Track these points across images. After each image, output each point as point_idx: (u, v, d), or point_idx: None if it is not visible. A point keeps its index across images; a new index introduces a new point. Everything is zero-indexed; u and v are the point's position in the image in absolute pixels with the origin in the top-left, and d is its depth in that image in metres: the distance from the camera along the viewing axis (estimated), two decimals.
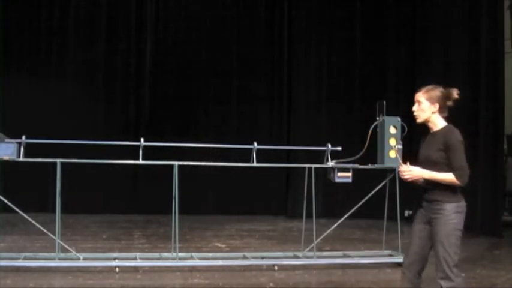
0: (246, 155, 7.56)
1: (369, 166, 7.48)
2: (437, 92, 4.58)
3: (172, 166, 7.09)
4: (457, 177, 4.16)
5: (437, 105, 4.50)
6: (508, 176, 12.51)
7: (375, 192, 7.59)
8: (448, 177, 4.17)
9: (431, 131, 4.48)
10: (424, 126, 4.64)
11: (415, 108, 4.53)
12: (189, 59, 13.25)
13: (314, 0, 13.24)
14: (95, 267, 6.82)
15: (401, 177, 4.33)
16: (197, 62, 13.30)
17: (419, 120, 4.52)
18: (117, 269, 6.71)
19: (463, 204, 4.20)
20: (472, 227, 10.47)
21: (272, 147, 9.24)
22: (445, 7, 11.67)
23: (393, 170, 7.48)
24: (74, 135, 8.12)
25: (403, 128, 7.36)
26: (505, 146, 12.32)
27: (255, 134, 10.31)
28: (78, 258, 6.97)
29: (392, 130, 7.34)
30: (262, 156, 7.45)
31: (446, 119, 4.50)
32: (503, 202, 11.50)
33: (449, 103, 4.54)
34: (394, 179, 7.48)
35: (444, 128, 4.44)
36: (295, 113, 13.15)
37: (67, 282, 6.26)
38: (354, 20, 13.33)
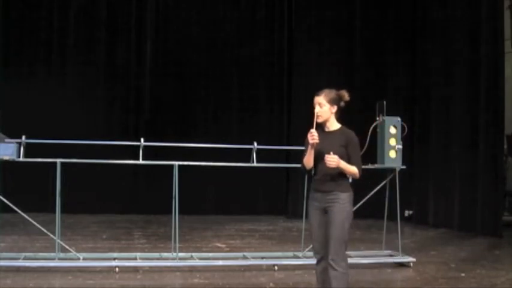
0: (246, 155, 7.56)
1: (369, 166, 7.48)
2: (334, 95, 4.94)
3: (172, 166, 7.09)
4: (357, 171, 4.70)
5: (335, 107, 4.90)
6: (508, 176, 12.52)
7: (375, 192, 7.59)
8: (353, 169, 4.69)
9: (327, 130, 4.89)
10: None
11: (317, 109, 4.90)
12: (189, 59, 13.25)
13: (314, 1, 13.25)
14: (95, 267, 6.82)
15: (329, 164, 4.58)
16: (197, 62, 13.30)
17: (320, 120, 4.89)
18: (117, 269, 6.71)
19: (352, 194, 4.76)
20: (472, 227, 10.50)
21: (272, 147, 9.23)
22: (445, 7, 11.68)
23: (393, 170, 7.49)
24: (74, 135, 8.12)
25: (403, 128, 7.36)
26: (505, 146, 12.33)
27: (255, 134, 10.32)
28: (78, 258, 6.97)
29: (392, 130, 7.35)
30: (262, 156, 7.45)
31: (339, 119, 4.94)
32: (503, 202, 11.51)
33: (342, 104, 4.95)
34: (394, 179, 7.48)
35: (341, 127, 4.91)
36: (295, 113, 13.15)
37: (67, 282, 6.26)
38: (354, 21, 13.34)
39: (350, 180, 4.83)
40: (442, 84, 11.76)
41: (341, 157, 4.65)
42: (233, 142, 8.20)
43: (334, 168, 4.59)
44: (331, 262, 4.59)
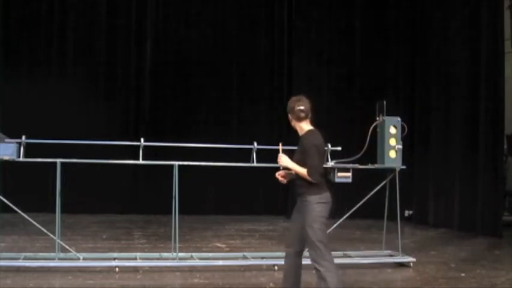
0: (246, 155, 7.56)
1: (369, 166, 7.48)
2: (289, 104, 5.11)
3: (172, 166, 7.09)
4: (308, 173, 4.85)
5: (290, 116, 5.09)
6: (508, 176, 12.52)
7: (375, 192, 7.59)
8: (303, 171, 4.88)
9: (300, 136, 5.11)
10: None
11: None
12: (189, 59, 13.26)
13: (314, 1, 13.25)
14: (95, 267, 6.82)
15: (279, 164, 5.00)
16: (197, 62, 13.31)
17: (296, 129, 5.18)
18: (117, 269, 6.71)
19: (325, 195, 4.92)
20: (472, 227, 10.50)
21: (272, 147, 9.22)
22: (445, 7, 11.68)
23: (393, 170, 7.48)
24: (74, 135, 8.11)
25: (403, 128, 7.36)
26: (505, 146, 12.33)
27: (255, 134, 10.31)
28: (78, 258, 6.97)
29: (392, 130, 7.35)
30: (262, 156, 7.45)
31: (312, 123, 5.13)
32: (503, 202, 11.51)
33: (302, 114, 5.03)
34: (394, 179, 7.47)
35: (304, 133, 5.05)
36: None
37: (67, 282, 6.26)
38: (354, 20, 13.34)
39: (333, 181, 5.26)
40: (442, 84, 11.76)
41: (297, 162, 4.95)
42: (233, 142, 8.19)
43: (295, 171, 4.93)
44: (313, 264, 4.86)
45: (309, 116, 5.09)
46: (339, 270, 5.01)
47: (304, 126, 5.06)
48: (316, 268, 4.82)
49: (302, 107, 5.02)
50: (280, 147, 5.16)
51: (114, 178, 12.21)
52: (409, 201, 12.15)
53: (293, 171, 4.99)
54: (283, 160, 4.98)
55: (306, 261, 7.23)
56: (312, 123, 5.15)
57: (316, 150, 4.91)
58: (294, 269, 5.25)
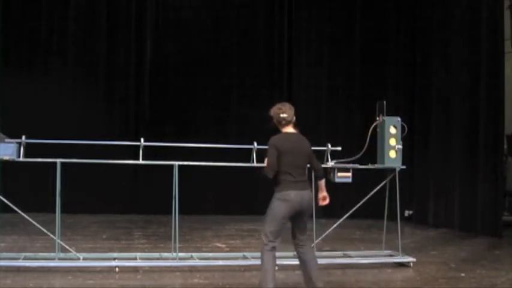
0: (246, 155, 7.56)
1: (369, 166, 7.49)
2: (271, 110, 5.71)
3: (172, 166, 7.09)
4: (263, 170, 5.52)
5: (274, 120, 5.70)
6: (508, 176, 12.51)
7: (375, 192, 7.59)
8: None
9: None
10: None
11: None
12: (189, 59, 13.25)
13: (314, 1, 13.24)
14: (95, 267, 6.82)
15: None
16: (197, 62, 13.30)
17: None
18: (117, 269, 6.71)
19: (283, 193, 5.41)
20: (472, 227, 10.50)
21: None
22: (445, 7, 11.68)
23: (393, 170, 7.48)
24: (74, 135, 8.12)
25: (403, 128, 7.36)
26: (505, 146, 12.32)
27: (255, 134, 10.30)
28: (78, 258, 6.96)
29: (392, 130, 7.35)
30: (263, 156, 7.44)
31: (293, 126, 5.74)
32: (503, 202, 11.51)
33: (283, 122, 5.68)
34: (394, 179, 7.47)
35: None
36: (295, 113, 13.12)
37: (67, 282, 6.25)
38: (354, 20, 13.34)
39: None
40: (442, 84, 11.76)
41: None
42: (233, 142, 8.19)
43: None
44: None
45: (292, 121, 5.70)
46: (270, 268, 5.45)
47: (282, 130, 5.71)
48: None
49: (284, 115, 5.64)
50: None
51: (114, 178, 12.20)
52: (409, 201, 12.15)
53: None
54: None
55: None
56: (296, 126, 5.72)
57: (270, 149, 5.51)
58: (300, 261, 5.67)
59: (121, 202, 12.58)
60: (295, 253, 7.59)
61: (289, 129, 5.68)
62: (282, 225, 5.46)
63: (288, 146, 5.52)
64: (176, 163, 7.08)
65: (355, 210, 7.64)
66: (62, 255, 6.97)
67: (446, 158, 11.46)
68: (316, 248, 7.39)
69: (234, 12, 13.57)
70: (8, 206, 6.78)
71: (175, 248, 7.01)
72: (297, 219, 5.53)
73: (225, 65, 13.45)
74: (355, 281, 6.56)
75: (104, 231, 10.10)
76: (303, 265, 5.62)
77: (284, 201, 5.39)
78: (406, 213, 12.26)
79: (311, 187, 5.74)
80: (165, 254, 7.44)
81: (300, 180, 5.48)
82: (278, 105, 5.67)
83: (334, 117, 12.87)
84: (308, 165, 5.80)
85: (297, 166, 5.53)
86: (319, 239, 7.51)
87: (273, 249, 5.48)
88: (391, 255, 7.70)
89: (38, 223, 6.95)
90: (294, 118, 5.70)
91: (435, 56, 11.94)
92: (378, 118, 7.46)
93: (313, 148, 7.79)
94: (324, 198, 5.70)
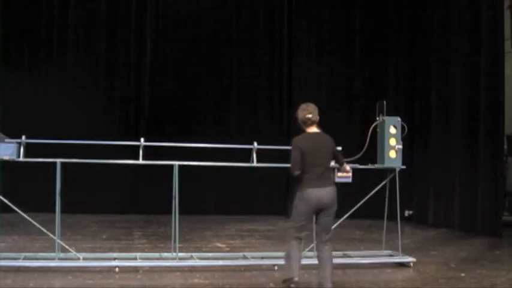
0: (246, 155, 7.56)
1: (369, 166, 7.48)
2: (297, 111, 5.95)
3: (172, 166, 7.09)
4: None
5: (299, 121, 5.91)
6: (508, 176, 12.51)
7: (375, 192, 7.59)
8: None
9: None
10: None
11: None
12: (189, 58, 13.25)
13: (314, 0, 13.24)
14: (95, 267, 6.82)
15: None
16: (197, 62, 13.30)
17: None
18: (117, 269, 6.71)
19: (302, 191, 5.68)
20: (472, 227, 10.50)
21: (272, 147, 9.22)
22: (445, 7, 11.68)
23: (393, 170, 7.48)
24: (74, 135, 8.11)
25: (403, 128, 7.36)
26: (505, 146, 12.32)
27: (255, 134, 10.31)
28: (78, 258, 6.97)
29: (392, 130, 7.35)
30: (262, 156, 7.45)
31: (318, 126, 5.92)
32: (503, 202, 11.50)
33: (308, 122, 5.87)
34: (394, 179, 7.47)
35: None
36: (295, 113, 13.12)
37: (67, 282, 6.25)
38: (354, 20, 13.35)
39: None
40: (442, 84, 11.76)
41: None
42: (233, 142, 8.18)
43: None
44: None
45: (317, 120, 5.87)
46: (294, 257, 5.70)
47: (307, 130, 5.86)
48: None
49: (309, 115, 5.83)
50: None
51: (114, 178, 12.21)
52: (409, 201, 12.15)
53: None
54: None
55: (306, 262, 7.28)
56: (319, 126, 5.86)
57: (294, 149, 5.71)
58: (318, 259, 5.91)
59: (121, 202, 12.58)
60: None
61: (314, 129, 5.87)
62: (304, 221, 5.75)
63: (311, 146, 5.72)
64: (176, 163, 7.08)
65: (355, 210, 7.64)
66: (62, 255, 6.97)
67: (446, 158, 11.46)
68: (316, 248, 7.39)
69: (234, 12, 13.57)
70: (8, 206, 6.78)
71: (175, 248, 7.01)
72: (319, 216, 5.74)
73: (225, 65, 13.45)
74: (355, 281, 6.57)
75: (104, 231, 10.10)
76: (319, 263, 5.83)
77: (303, 199, 5.67)
78: (406, 213, 12.26)
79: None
80: (165, 254, 7.44)
81: (322, 177, 5.69)
82: (303, 106, 5.89)
83: (334, 117, 12.87)
84: (333, 163, 6.13)
85: (320, 164, 5.72)
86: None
87: (297, 239, 5.73)
88: (391, 255, 7.70)
89: (38, 223, 6.95)
90: (318, 118, 5.89)
91: (435, 56, 11.93)
92: (378, 118, 7.46)
93: None
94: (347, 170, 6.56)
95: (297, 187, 5.77)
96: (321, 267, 5.74)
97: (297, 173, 5.68)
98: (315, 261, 7.22)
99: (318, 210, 5.69)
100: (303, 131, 5.89)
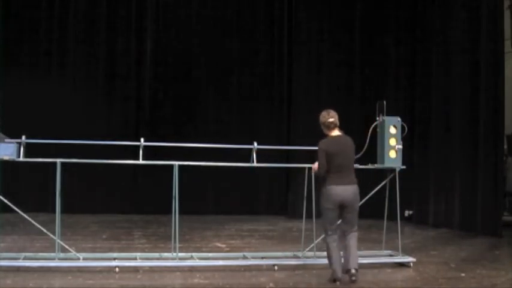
0: (246, 155, 7.56)
1: (369, 166, 7.48)
2: (320, 117, 6.45)
3: (172, 166, 7.09)
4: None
5: (322, 126, 6.45)
6: (508, 176, 12.50)
7: (375, 192, 7.59)
8: (316, 166, 6.41)
9: None
10: None
11: None
12: (189, 59, 13.27)
13: (314, 0, 13.24)
14: (95, 267, 6.82)
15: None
16: (197, 62, 13.33)
17: None
18: (117, 269, 6.71)
19: (326, 189, 6.26)
20: (472, 227, 10.50)
21: (272, 147, 9.23)
22: (445, 7, 11.68)
23: (393, 170, 7.48)
24: (74, 135, 8.12)
25: (403, 128, 7.36)
26: (505, 146, 12.32)
27: (255, 134, 10.32)
28: (78, 258, 6.96)
29: (392, 130, 7.35)
30: (262, 156, 7.45)
31: (338, 129, 6.47)
32: (503, 202, 11.50)
33: (331, 125, 6.40)
34: (394, 179, 7.47)
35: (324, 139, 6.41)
36: (295, 113, 13.15)
37: (67, 282, 6.25)
38: (354, 20, 13.33)
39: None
40: (442, 84, 11.76)
41: None
42: (233, 142, 8.19)
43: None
44: None
45: (338, 124, 6.42)
46: (337, 259, 6.26)
47: (330, 133, 6.39)
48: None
49: (332, 119, 6.37)
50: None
51: (114, 178, 12.22)
52: (409, 201, 12.14)
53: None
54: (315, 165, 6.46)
55: (306, 261, 7.29)
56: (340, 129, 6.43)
57: (320, 152, 6.24)
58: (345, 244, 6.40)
59: (121, 202, 12.58)
60: (295, 253, 7.68)
61: (336, 132, 6.42)
62: (332, 216, 6.28)
63: (335, 148, 6.27)
64: (176, 163, 7.08)
65: None
66: (62, 255, 6.97)
67: (446, 158, 11.46)
68: (316, 248, 7.41)
69: (234, 12, 13.57)
70: (8, 206, 6.78)
71: (175, 248, 7.01)
72: (343, 213, 6.30)
73: (225, 65, 13.45)
74: (356, 280, 6.55)
75: (104, 231, 10.10)
76: (345, 249, 6.31)
77: (326, 195, 6.25)
78: (406, 213, 12.25)
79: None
80: (165, 254, 7.43)
81: (345, 176, 6.24)
82: (324, 112, 6.44)
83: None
84: None
85: (344, 165, 6.26)
86: (319, 239, 7.50)
87: (334, 239, 6.27)
88: (391, 255, 7.69)
89: (38, 223, 6.95)
90: (338, 122, 6.46)
91: (435, 56, 11.93)
92: (378, 118, 7.46)
93: (313, 148, 7.86)
94: None
95: (322, 184, 6.27)
96: (347, 251, 6.27)
97: (323, 174, 6.22)
98: (315, 261, 7.28)
99: (341, 207, 6.23)
100: (325, 135, 6.41)
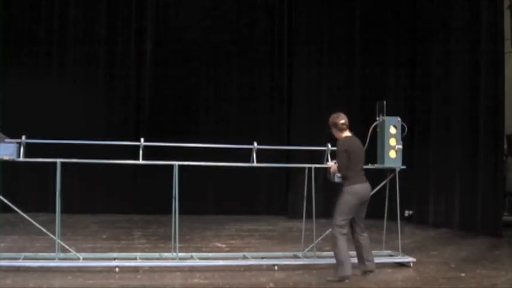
0: (246, 155, 7.56)
1: (369, 166, 7.48)
2: (331, 120, 6.67)
3: (172, 166, 7.09)
4: (338, 170, 6.58)
5: (334, 128, 6.66)
6: (508, 176, 12.50)
7: (375, 192, 7.58)
8: (337, 168, 6.59)
9: None
10: None
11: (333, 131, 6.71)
12: (189, 58, 13.26)
13: (314, 0, 13.24)
14: (95, 267, 6.82)
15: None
16: (197, 62, 13.31)
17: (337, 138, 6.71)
18: (117, 269, 6.71)
19: (352, 187, 6.48)
20: (472, 227, 10.50)
21: (272, 147, 9.23)
22: (445, 7, 11.68)
23: (393, 170, 7.48)
24: (74, 135, 8.11)
25: (403, 128, 7.36)
26: (505, 146, 12.32)
27: (255, 134, 10.31)
28: (78, 258, 6.96)
29: (392, 130, 7.35)
30: (263, 156, 7.45)
31: (348, 130, 6.71)
32: (503, 202, 11.49)
33: (344, 127, 6.63)
34: (394, 179, 7.48)
35: (339, 139, 6.63)
36: (295, 113, 13.15)
37: (67, 282, 6.25)
38: (354, 20, 13.33)
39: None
40: (442, 84, 11.76)
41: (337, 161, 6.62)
42: (233, 142, 8.19)
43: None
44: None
45: (348, 125, 6.63)
46: (347, 257, 6.43)
47: (343, 135, 6.60)
48: (332, 240, 6.53)
49: (343, 121, 6.57)
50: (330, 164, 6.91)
51: (114, 178, 12.22)
52: (409, 201, 12.14)
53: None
54: (333, 165, 6.70)
55: (306, 261, 7.29)
56: (351, 130, 6.66)
57: (341, 151, 6.48)
58: (356, 246, 6.77)
59: (121, 202, 12.58)
60: (295, 253, 7.67)
61: (348, 132, 6.67)
62: (352, 213, 6.50)
63: (353, 147, 6.55)
64: (176, 163, 7.08)
65: None
66: (62, 255, 6.97)
67: (446, 158, 11.46)
68: (316, 248, 7.41)
69: (234, 12, 13.57)
70: (8, 206, 6.78)
71: (175, 248, 7.01)
72: (360, 209, 6.59)
73: (225, 65, 13.45)
74: (355, 280, 6.56)
75: (104, 231, 10.10)
76: (359, 250, 6.69)
77: (353, 194, 6.45)
78: (406, 213, 12.26)
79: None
80: (165, 254, 7.43)
81: (362, 174, 6.60)
82: (335, 115, 6.64)
83: None
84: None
85: (360, 162, 6.60)
86: (319, 239, 7.51)
87: (345, 235, 6.46)
88: (391, 255, 7.70)
89: (38, 223, 6.95)
90: None
91: (435, 56, 11.93)
92: (378, 118, 7.46)
93: (313, 148, 7.88)
94: None
95: (343, 184, 6.47)
96: (364, 252, 6.65)
97: (346, 172, 6.45)
98: (315, 261, 7.28)
99: (361, 203, 6.54)
100: (335, 138, 6.67)
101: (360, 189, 6.49)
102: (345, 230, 6.47)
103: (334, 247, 6.46)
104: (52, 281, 6.28)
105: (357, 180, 6.49)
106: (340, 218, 6.43)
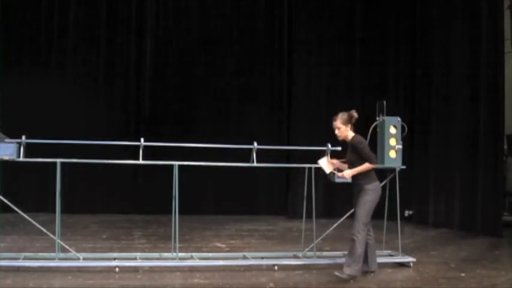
0: (246, 155, 7.56)
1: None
2: (345, 116, 6.59)
3: (172, 166, 7.09)
4: (369, 163, 6.41)
5: (349, 126, 6.60)
6: (508, 176, 12.51)
7: None
8: (364, 166, 6.42)
9: (347, 141, 6.65)
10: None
11: (337, 132, 6.62)
12: (189, 59, 13.26)
13: (314, 0, 13.24)
14: (95, 267, 6.82)
15: (343, 177, 6.62)
16: (197, 62, 13.31)
17: (341, 139, 6.67)
18: (117, 269, 6.71)
19: (375, 185, 6.50)
20: (472, 227, 10.50)
21: (272, 147, 9.23)
22: (445, 7, 11.68)
23: (393, 170, 7.48)
24: (74, 135, 8.11)
25: (403, 128, 7.36)
26: (505, 146, 12.32)
27: (255, 134, 10.31)
28: (78, 258, 6.96)
29: (392, 130, 7.35)
30: (262, 156, 7.45)
31: (354, 130, 6.66)
32: (503, 202, 11.50)
33: (354, 120, 6.59)
34: (394, 179, 7.48)
35: (352, 138, 6.58)
36: (295, 113, 13.15)
37: (67, 282, 6.25)
38: (354, 20, 13.33)
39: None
40: (442, 84, 11.76)
41: (354, 161, 6.50)
42: (233, 142, 8.18)
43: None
44: (352, 236, 6.49)
45: None
46: (361, 259, 6.46)
47: (351, 133, 6.58)
48: (352, 238, 6.40)
49: (356, 115, 6.57)
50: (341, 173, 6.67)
51: (114, 178, 12.22)
52: (409, 201, 12.15)
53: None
54: (347, 173, 6.52)
55: (306, 261, 7.29)
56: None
57: (364, 143, 6.52)
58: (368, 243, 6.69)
59: (121, 202, 12.58)
60: (295, 253, 7.67)
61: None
62: (372, 213, 6.54)
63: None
64: (176, 163, 7.09)
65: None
66: (62, 255, 6.97)
67: (447, 158, 11.46)
68: (316, 248, 7.40)
69: (234, 12, 13.57)
70: (8, 206, 6.78)
71: (175, 248, 7.01)
72: None
73: (225, 65, 13.45)
74: (356, 280, 6.56)
75: (104, 231, 10.10)
76: (365, 249, 6.59)
77: (377, 191, 6.54)
78: (406, 213, 12.26)
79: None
80: (165, 254, 7.43)
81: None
82: (349, 111, 6.65)
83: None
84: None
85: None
86: (319, 239, 7.51)
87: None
88: (391, 255, 7.70)
89: (38, 223, 6.95)
90: None
91: (435, 56, 11.93)
92: (378, 118, 7.46)
93: (313, 148, 7.87)
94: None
95: (364, 183, 6.42)
96: (370, 252, 6.66)
97: (376, 163, 6.51)
98: (315, 261, 7.28)
99: None
100: (341, 141, 6.68)
101: (379, 187, 6.57)
102: (367, 228, 6.54)
103: (353, 244, 6.40)
104: (52, 281, 6.28)
105: (375, 178, 6.54)
106: (367, 216, 6.46)
